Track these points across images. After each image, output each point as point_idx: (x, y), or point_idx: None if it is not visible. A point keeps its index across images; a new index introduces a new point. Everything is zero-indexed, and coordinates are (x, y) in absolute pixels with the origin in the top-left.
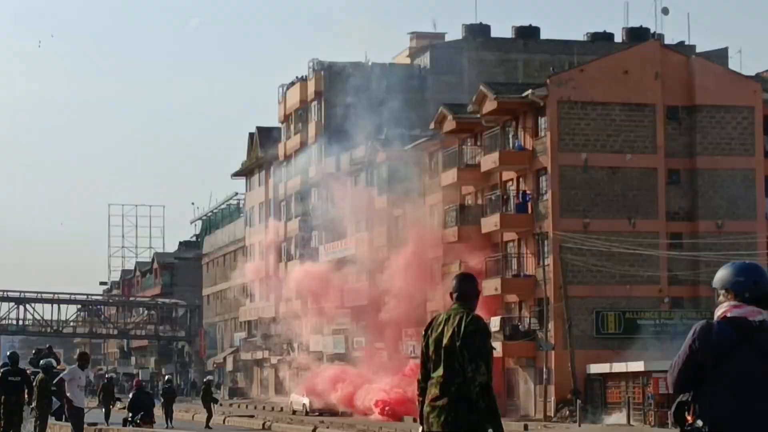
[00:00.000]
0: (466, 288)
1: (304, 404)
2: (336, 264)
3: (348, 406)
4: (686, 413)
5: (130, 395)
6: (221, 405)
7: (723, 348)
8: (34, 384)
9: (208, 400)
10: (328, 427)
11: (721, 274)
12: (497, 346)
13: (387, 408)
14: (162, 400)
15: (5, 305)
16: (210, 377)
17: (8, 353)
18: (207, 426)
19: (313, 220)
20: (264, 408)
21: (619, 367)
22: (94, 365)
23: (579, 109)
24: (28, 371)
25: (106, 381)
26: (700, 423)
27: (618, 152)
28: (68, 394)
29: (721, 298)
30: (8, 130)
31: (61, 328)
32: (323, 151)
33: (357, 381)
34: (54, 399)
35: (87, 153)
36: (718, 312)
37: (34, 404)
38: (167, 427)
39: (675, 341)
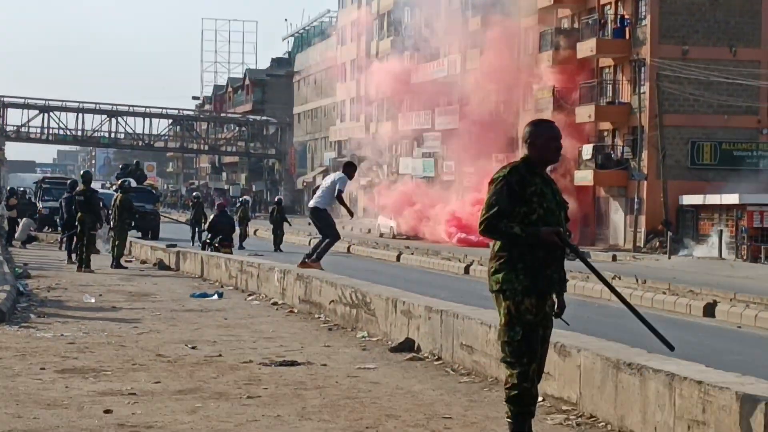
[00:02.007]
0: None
1: (391, 227)
2: (430, 83)
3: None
4: None
5: (212, 216)
6: (309, 224)
7: None
8: (112, 203)
9: (279, 221)
10: (412, 254)
11: None
12: (588, 174)
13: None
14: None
15: (97, 118)
16: (280, 197)
17: (81, 172)
18: (277, 248)
19: (405, 41)
20: (351, 229)
21: (712, 199)
22: (186, 180)
23: None
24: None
25: (194, 201)
26: None
27: None
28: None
29: None
30: None
31: (152, 142)
32: None
33: (433, 202)
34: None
35: None
36: None
37: (112, 224)
38: (240, 249)
39: None
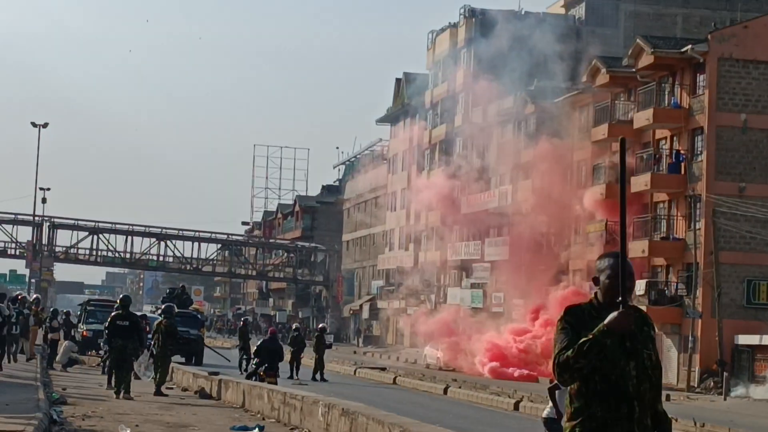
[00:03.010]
0: None
1: (438, 357)
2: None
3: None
4: None
5: (260, 341)
6: (354, 353)
7: None
8: (155, 328)
9: (321, 350)
10: (460, 387)
11: None
12: (643, 309)
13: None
14: (291, 349)
15: (146, 241)
16: (323, 325)
17: (121, 296)
18: (315, 376)
19: (456, 169)
20: (398, 359)
21: None
22: (232, 304)
23: (740, 68)
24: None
25: (242, 324)
26: None
27: None
28: None
29: None
30: (160, 66)
31: (200, 266)
32: (470, 100)
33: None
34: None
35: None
36: None
37: (153, 350)
38: (292, 379)
39: None
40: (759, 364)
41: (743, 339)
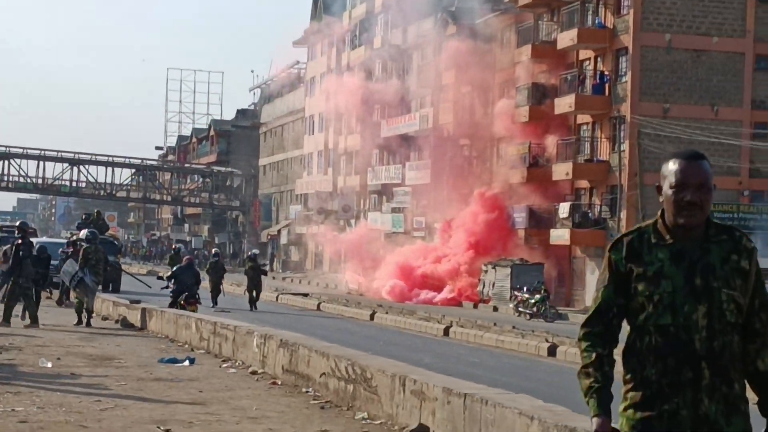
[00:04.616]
0: None
1: (360, 283)
2: (398, 138)
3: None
4: None
5: (174, 268)
6: (273, 278)
7: None
8: (81, 255)
9: (257, 277)
10: (387, 313)
11: None
12: (564, 233)
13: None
14: (209, 276)
15: (59, 166)
16: (256, 251)
17: (18, 222)
18: (253, 307)
19: (375, 95)
20: (318, 284)
21: None
22: (147, 230)
23: None
24: (74, 237)
25: (174, 252)
26: None
27: (704, 34)
28: None
29: None
30: None
31: (114, 192)
32: (390, 22)
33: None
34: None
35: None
36: None
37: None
38: (212, 307)
39: (754, 237)
40: None
41: None
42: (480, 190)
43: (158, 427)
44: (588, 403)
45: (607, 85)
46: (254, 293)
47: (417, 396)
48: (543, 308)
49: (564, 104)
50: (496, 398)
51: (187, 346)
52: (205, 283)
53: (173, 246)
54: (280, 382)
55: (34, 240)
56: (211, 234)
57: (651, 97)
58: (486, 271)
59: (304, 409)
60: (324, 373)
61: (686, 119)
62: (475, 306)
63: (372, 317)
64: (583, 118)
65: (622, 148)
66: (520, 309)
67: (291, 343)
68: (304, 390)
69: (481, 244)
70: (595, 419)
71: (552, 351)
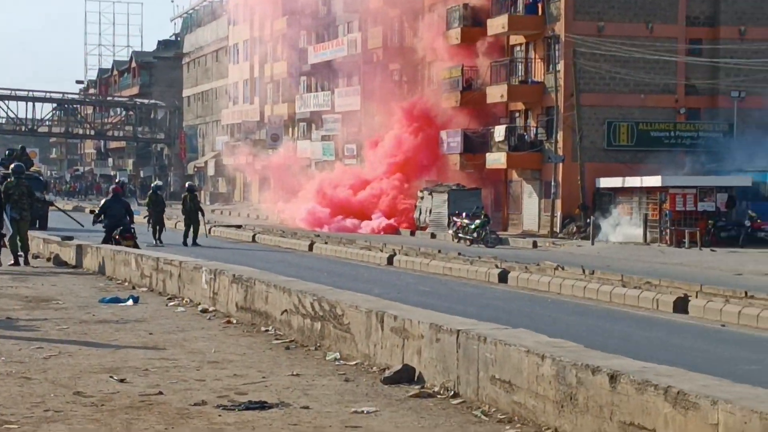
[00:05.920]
0: None
1: (281, 211)
2: (327, 64)
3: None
4: None
5: (103, 201)
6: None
7: None
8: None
9: (195, 211)
10: (326, 242)
11: None
12: (500, 157)
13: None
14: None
15: None
16: (191, 182)
17: None
18: (194, 242)
19: (301, 19)
20: (249, 216)
21: (632, 181)
22: (70, 166)
23: None
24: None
25: (151, 192)
26: None
27: None
28: None
29: None
30: None
31: (36, 127)
32: None
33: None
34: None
35: None
36: None
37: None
38: (156, 245)
39: (690, 155)
40: (621, 207)
41: (605, 182)
42: (404, 104)
43: (111, 377)
44: None
45: (540, 5)
46: (191, 228)
47: (398, 334)
48: (484, 233)
49: (497, 25)
50: (497, 335)
51: (127, 284)
52: (139, 218)
53: (152, 186)
54: (235, 321)
55: None
56: (136, 168)
57: (585, 15)
58: (422, 198)
59: (268, 350)
60: (286, 311)
61: (621, 37)
62: (413, 233)
63: (311, 248)
64: (517, 38)
65: (557, 69)
66: (459, 235)
67: (246, 278)
68: (263, 329)
69: (411, 163)
70: None
71: (503, 277)
